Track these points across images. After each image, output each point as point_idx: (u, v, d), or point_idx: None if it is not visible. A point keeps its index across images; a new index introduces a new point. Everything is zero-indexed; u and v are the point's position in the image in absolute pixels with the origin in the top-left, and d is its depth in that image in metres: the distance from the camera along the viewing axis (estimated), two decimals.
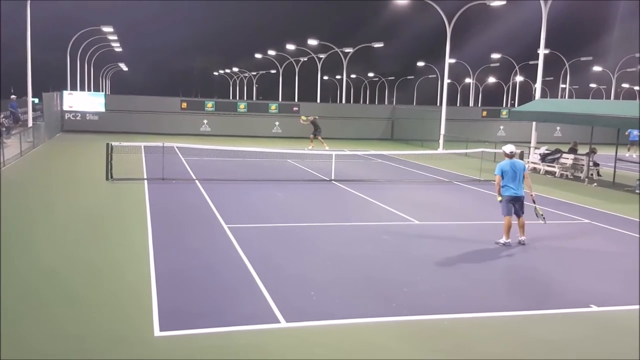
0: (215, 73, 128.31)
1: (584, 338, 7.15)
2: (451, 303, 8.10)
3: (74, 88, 50.91)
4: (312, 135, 30.65)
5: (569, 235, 12.62)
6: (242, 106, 40.07)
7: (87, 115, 37.08)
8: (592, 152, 21.79)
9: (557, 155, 23.25)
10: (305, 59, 63.66)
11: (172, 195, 15.62)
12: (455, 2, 32.86)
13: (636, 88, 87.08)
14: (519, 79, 73.07)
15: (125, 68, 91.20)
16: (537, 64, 26.78)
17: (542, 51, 25.41)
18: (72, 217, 12.76)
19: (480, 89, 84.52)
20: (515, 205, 11.23)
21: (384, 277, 9.09)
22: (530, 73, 70.13)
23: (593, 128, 21.55)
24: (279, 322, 7.14)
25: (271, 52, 69.07)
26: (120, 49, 63.18)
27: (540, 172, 23.37)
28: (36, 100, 43.78)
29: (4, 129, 27.83)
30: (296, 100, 54.94)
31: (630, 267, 10.16)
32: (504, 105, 74.07)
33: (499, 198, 11.35)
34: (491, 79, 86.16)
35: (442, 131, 32.48)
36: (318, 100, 53.46)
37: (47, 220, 12.48)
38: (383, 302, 7.99)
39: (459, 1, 32.41)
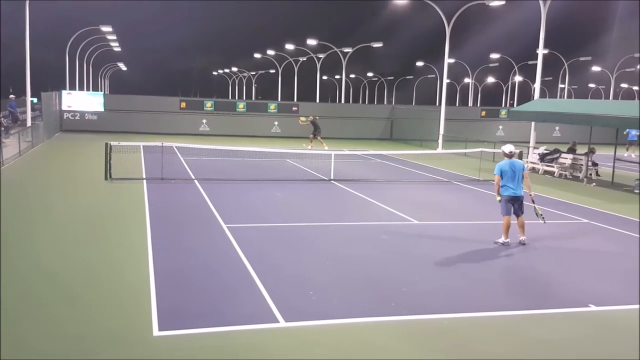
0: (215, 73, 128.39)
1: (583, 338, 7.15)
2: (450, 303, 8.10)
3: (72, 88, 50.90)
4: (311, 135, 30.67)
5: (567, 235, 12.63)
6: (241, 106, 40.06)
7: (86, 114, 37.05)
8: (591, 152, 21.80)
9: (556, 155, 23.27)
10: (305, 59, 63.68)
11: (171, 195, 15.62)
12: (454, 2, 32.86)
13: (635, 88, 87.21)
14: (518, 78, 73.14)
15: (124, 68, 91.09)
16: (536, 64, 26.80)
17: (541, 51, 25.41)
18: (71, 216, 12.75)
19: (479, 89, 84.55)
20: (515, 205, 11.23)
21: (383, 277, 9.09)
22: (529, 73, 70.20)
23: (592, 128, 21.56)
24: (278, 321, 7.14)
25: (270, 52, 69.11)
26: (119, 49, 63.16)
27: (539, 172, 23.38)
28: (35, 100, 43.74)
29: (3, 128, 27.79)
30: (295, 100, 54.95)
31: (629, 266, 10.17)
32: (503, 105, 74.06)
33: (498, 198, 11.36)
34: (490, 79, 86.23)
35: (441, 131, 32.49)
36: (317, 100, 53.47)
37: (46, 220, 12.47)
38: (382, 301, 7.98)
39: (458, 1, 32.43)
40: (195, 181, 18.00)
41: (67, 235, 11.16)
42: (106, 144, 17.84)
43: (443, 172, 22.78)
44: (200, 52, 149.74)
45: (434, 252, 10.65)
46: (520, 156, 18.90)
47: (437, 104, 56.27)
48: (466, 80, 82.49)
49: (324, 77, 79.41)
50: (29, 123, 29.55)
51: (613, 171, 21.33)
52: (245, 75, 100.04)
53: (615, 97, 73.40)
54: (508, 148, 11.51)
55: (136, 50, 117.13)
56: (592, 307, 8.06)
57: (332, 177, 19.32)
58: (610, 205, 16.56)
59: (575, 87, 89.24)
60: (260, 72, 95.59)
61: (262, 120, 38.98)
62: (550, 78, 77.39)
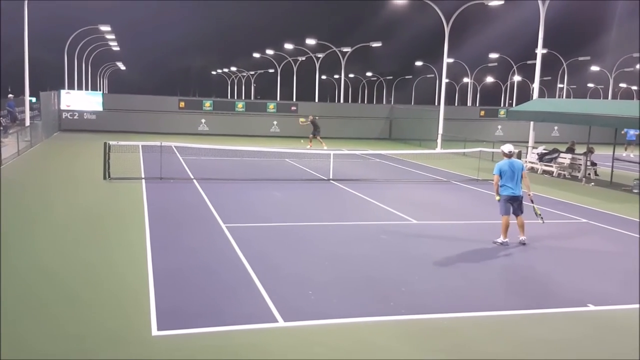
0: (213, 72, 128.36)
1: (583, 337, 7.15)
2: (450, 302, 8.10)
3: (71, 87, 50.87)
4: (311, 135, 30.68)
5: (566, 234, 12.64)
6: (240, 105, 40.05)
7: (85, 114, 37.02)
8: (590, 151, 21.82)
9: (554, 155, 23.28)
10: (304, 59, 63.70)
11: (170, 195, 15.61)
12: (453, 2, 32.87)
13: (634, 88, 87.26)
14: (516, 78, 73.17)
15: (122, 67, 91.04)
16: (535, 64, 26.82)
17: (540, 51, 25.43)
18: (70, 216, 12.74)
19: (478, 89, 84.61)
20: (514, 204, 11.24)
21: (382, 277, 9.09)
22: (528, 73, 70.26)
23: (590, 128, 21.58)
24: (277, 321, 7.14)
25: (269, 52, 69.12)
26: (117, 48, 63.12)
27: (538, 172, 23.39)
28: (34, 100, 43.59)
29: (2, 128, 27.81)
30: (294, 99, 55.01)
31: (628, 266, 10.18)
32: (501, 105, 74.03)
33: (497, 197, 11.37)
34: (489, 79, 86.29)
35: (440, 131, 32.50)
36: (316, 100, 53.48)
37: (44, 219, 12.46)
38: (381, 301, 7.98)
39: (457, 1, 32.45)
40: (194, 181, 17.99)
41: (66, 235, 11.14)
42: (105, 143, 17.83)
43: (442, 171, 22.79)
44: (199, 51, 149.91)
45: (433, 252, 10.65)
46: (519, 156, 18.89)
47: (436, 104, 56.25)
48: (465, 80, 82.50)
49: (323, 77, 79.45)
50: (27, 122, 29.50)
51: (612, 171, 21.35)
52: (244, 74, 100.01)
53: (614, 97, 73.43)
54: (507, 148, 11.52)
55: (135, 50, 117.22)
56: (591, 307, 8.07)
57: (331, 177, 19.32)
58: (609, 205, 16.57)
59: (574, 86, 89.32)
60: (259, 71, 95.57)
61: (261, 120, 38.97)
62: (549, 78, 77.48)
